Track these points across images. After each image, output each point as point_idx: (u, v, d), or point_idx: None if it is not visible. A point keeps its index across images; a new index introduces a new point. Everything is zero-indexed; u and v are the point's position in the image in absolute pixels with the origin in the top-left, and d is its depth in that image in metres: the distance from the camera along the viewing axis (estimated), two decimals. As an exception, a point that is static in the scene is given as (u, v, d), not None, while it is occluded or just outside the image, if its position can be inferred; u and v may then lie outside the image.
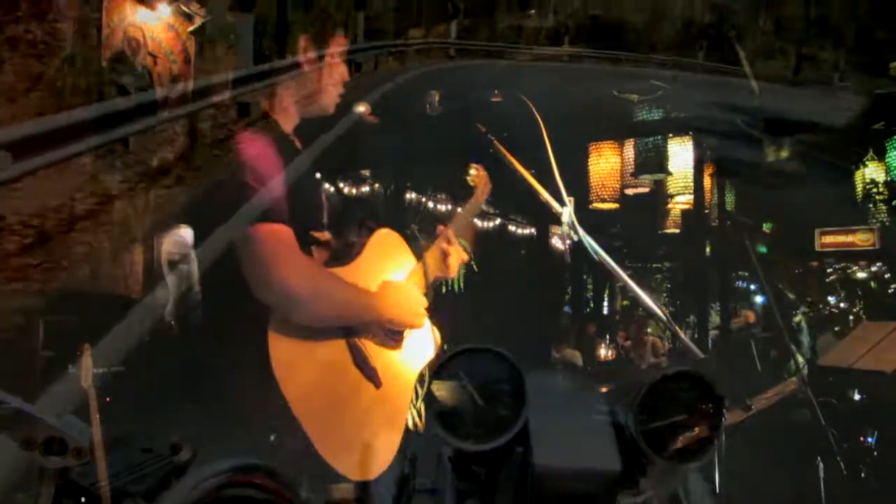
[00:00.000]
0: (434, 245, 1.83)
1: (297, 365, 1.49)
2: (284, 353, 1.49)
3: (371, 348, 1.60)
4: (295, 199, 1.61)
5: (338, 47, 1.80)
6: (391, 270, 1.73)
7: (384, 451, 1.54)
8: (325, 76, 1.77)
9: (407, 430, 1.63)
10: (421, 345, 1.74)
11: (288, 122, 1.77)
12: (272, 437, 1.47)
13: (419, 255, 1.81)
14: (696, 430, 0.96)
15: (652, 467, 0.94)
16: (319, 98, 1.77)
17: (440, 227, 1.86)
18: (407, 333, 1.70)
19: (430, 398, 1.42)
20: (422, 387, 1.72)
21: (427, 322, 1.75)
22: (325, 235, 1.71)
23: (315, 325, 1.53)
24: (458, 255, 1.84)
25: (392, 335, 1.66)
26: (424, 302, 1.71)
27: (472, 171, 1.95)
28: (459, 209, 1.98)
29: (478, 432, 1.19)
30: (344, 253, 1.71)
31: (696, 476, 0.95)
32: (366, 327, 1.61)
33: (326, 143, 1.75)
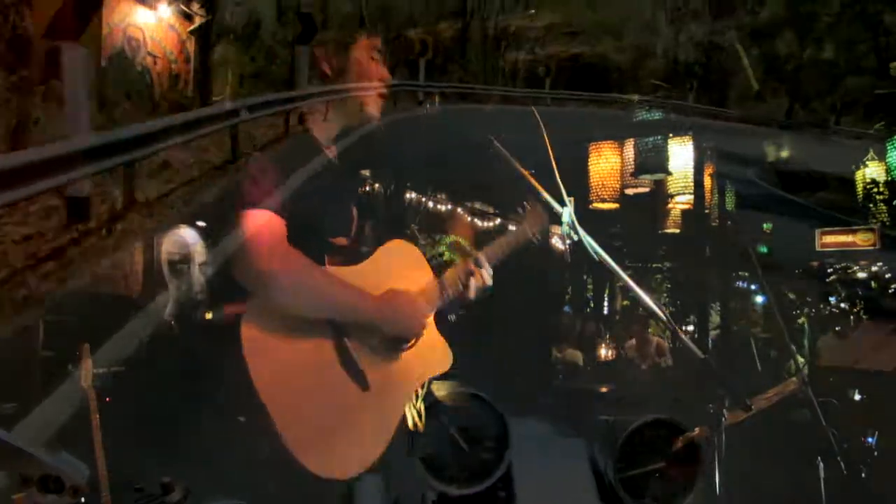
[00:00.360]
0: (459, 264, 1.80)
1: (270, 352, 1.48)
2: (258, 338, 1.48)
3: (363, 352, 1.58)
4: (316, 207, 1.63)
5: (372, 48, 1.78)
6: (401, 280, 1.70)
7: (362, 454, 1.51)
8: (367, 79, 1.76)
9: (396, 437, 1.59)
10: (428, 358, 1.70)
11: (324, 132, 1.77)
12: (241, 419, 1.47)
13: (437, 272, 1.79)
14: (674, 477, 0.97)
15: None
16: (364, 106, 1.76)
17: (477, 253, 1.82)
18: (410, 344, 1.66)
19: (415, 440, 1.42)
20: (422, 388, 1.71)
21: (437, 336, 1.72)
22: (342, 241, 1.71)
23: (297, 313, 1.52)
24: (482, 280, 1.78)
25: (392, 343, 1.63)
26: (427, 316, 1.68)
27: (528, 206, 1.91)
28: (502, 237, 1.92)
29: (461, 476, 1.19)
30: (353, 255, 1.71)
31: None
32: (360, 330, 1.59)
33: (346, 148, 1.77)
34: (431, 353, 1.71)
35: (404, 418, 1.59)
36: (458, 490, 1.17)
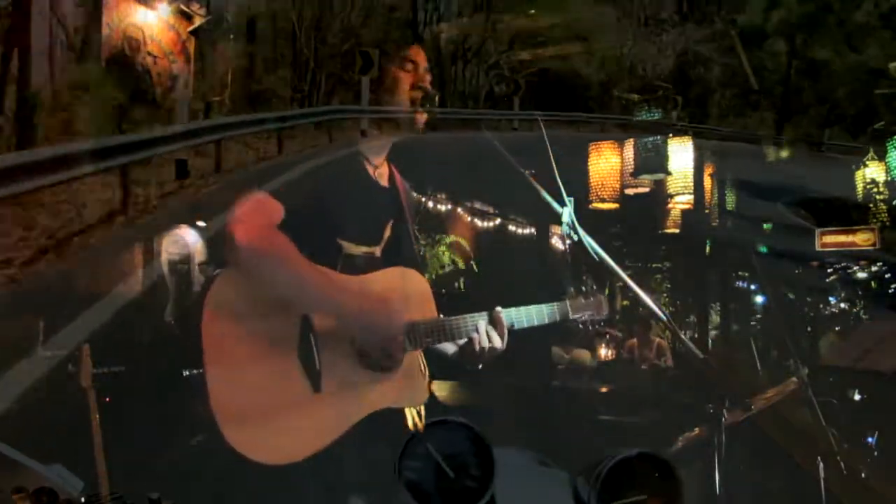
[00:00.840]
0: (474, 316, 1.75)
1: (225, 323, 1.49)
2: (219, 305, 1.50)
3: (330, 357, 1.56)
4: (345, 213, 1.65)
5: (409, 58, 1.79)
6: (398, 304, 1.69)
7: (294, 446, 1.50)
8: (397, 89, 1.77)
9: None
10: (402, 387, 1.67)
11: (373, 149, 1.79)
12: (185, 373, 1.48)
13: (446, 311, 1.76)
14: None
15: None
16: (398, 114, 1.76)
17: (497, 310, 1.76)
18: (386, 366, 1.63)
19: (399, 469, 1.41)
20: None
21: (420, 370, 1.70)
22: (352, 248, 1.71)
23: (262, 286, 1.53)
24: (489, 340, 1.73)
25: (366, 360, 1.61)
26: (400, 340, 1.64)
27: (590, 292, 1.87)
28: (541, 306, 1.82)
29: (446, 503, 1.19)
30: (363, 265, 1.71)
31: None
32: (335, 335, 1.57)
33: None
34: (408, 383, 1.68)
35: (346, 435, 1.56)
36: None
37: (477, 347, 1.69)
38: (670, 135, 5.95)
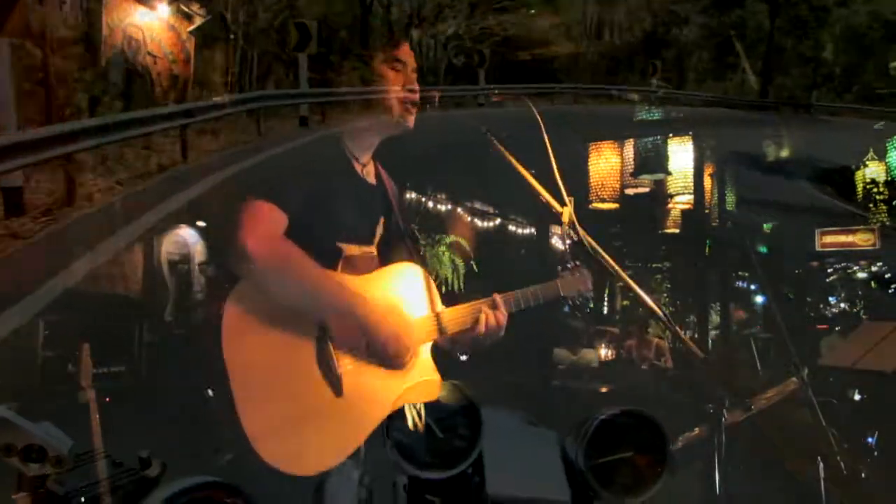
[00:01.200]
0: (476, 303, 1.77)
1: (248, 337, 1.50)
2: (238, 321, 1.50)
3: (346, 359, 1.57)
4: (336, 213, 1.64)
5: (398, 56, 1.78)
6: (402, 301, 1.69)
7: (319, 457, 1.50)
8: (387, 88, 1.76)
9: (365, 446, 1.58)
10: (415, 383, 1.68)
11: (358, 143, 1.78)
12: (209, 392, 1.48)
13: (447, 303, 1.77)
14: (642, 466, 0.99)
15: (599, 500, 0.97)
16: (394, 115, 1.76)
17: (495, 295, 1.78)
18: (397, 363, 1.63)
19: (388, 427, 1.42)
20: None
21: (430, 364, 1.70)
22: (353, 249, 1.71)
23: (278, 298, 1.53)
24: (495, 323, 1.74)
25: (378, 360, 1.61)
26: (409, 338, 1.65)
27: (574, 267, 1.88)
28: (530, 287, 1.87)
29: (434, 461, 1.19)
30: (361, 265, 1.71)
31: None
32: (347, 337, 1.58)
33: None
34: (420, 378, 1.69)
35: (374, 433, 1.57)
36: (431, 474, 1.19)
37: (479, 334, 1.71)
38: (669, 135, 5.95)
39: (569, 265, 1.87)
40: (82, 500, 0.59)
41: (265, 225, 1.55)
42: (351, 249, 1.71)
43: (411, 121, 1.78)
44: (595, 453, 0.99)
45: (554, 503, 0.92)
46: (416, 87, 1.79)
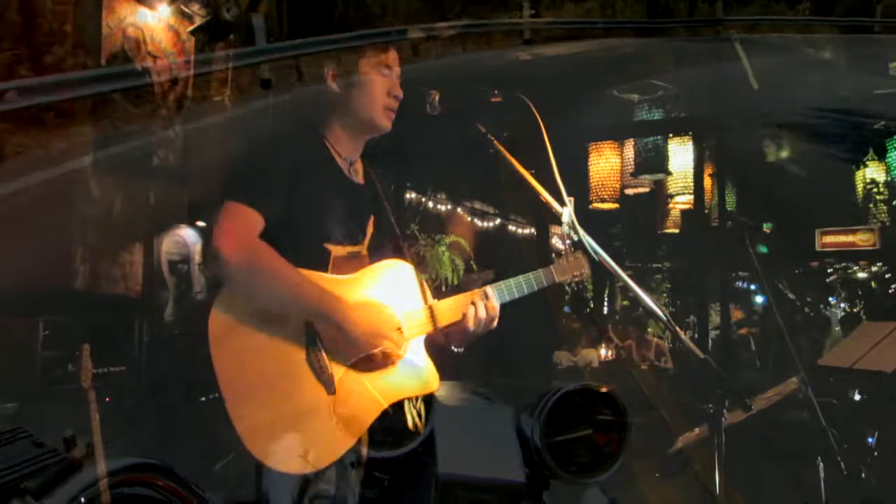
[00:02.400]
0: (465, 294, 1.77)
1: (235, 341, 1.51)
2: (225, 323, 1.51)
3: (338, 358, 1.58)
4: (321, 213, 1.65)
5: (386, 62, 1.79)
6: (388, 298, 1.69)
7: (315, 455, 1.49)
8: (373, 94, 1.76)
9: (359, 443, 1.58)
10: (409, 378, 1.68)
11: (343, 145, 1.79)
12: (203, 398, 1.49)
13: (437, 296, 1.77)
14: (600, 444, 0.98)
15: (556, 479, 0.96)
16: (371, 118, 1.77)
17: (487, 287, 1.77)
18: (386, 360, 1.63)
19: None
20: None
21: (425, 359, 1.70)
22: (339, 249, 1.71)
23: (258, 303, 1.54)
24: (486, 314, 1.74)
25: (370, 356, 1.61)
26: (390, 334, 1.64)
27: (569, 252, 1.86)
28: (528, 274, 1.82)
29: (384, 440, 1.19)
30: (350, 265, 1.71)
31: (596, 490, 0.97)
32: (336, 336, 1.58)
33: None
34: (414, 373, 1.69)
35: (367, 431, 1.57)
36: (380, 453, 1.19)
37: (471, 325, 1.71)
38: (670, 135, 5.95)
39: (564, 251, 1.87)
40: None
41: (239, 227, 1.57)
42: (338, 250, 1.71)
43: (389, 125, 1.80)
44: (552, 431, 0.97)
45: (508, 483, 0.90)
46: (400, 93, 1.81)
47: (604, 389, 0.99)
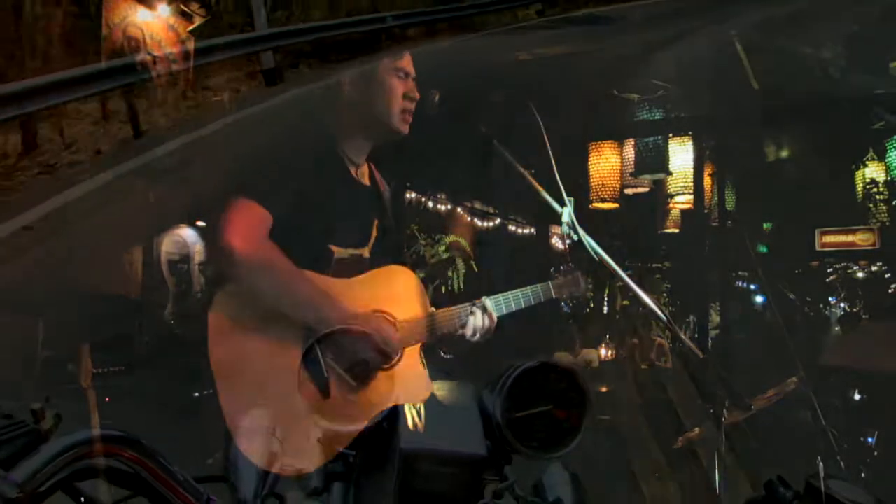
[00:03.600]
0: (466, 305, 1.78)
1: (233, 340, 1.51)
2: (223, 323, 1.52)
3: (331, 360, 1.57)
4: (328, 215, 1.65)
5: (403, 66, 1.80)
6: (390, 304, 1.70)
7: (308, 457, 1.51)
8: (391, 98, 1.78)
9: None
10: (404, 385, 1.68)
11: (353, 148, 1.80)
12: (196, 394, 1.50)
13: (436, 304, 1.78)
14: (561, 420, 0.99)
15: (516, 454, 0.98)
16: (389, 122, 1.78)
17: (483, 298, 1.79)
18: (384, 363, 1.63)
19: (300, 382, 1.43)
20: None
21: (419, 366, 1.71)
22: (342, 251, 1.72)
23: (260, 301, 1.55)
24: (483, 324, 1.75)
25: (365, 363, 1.61)
26: (402, 345, 1.65)
27: (568, 270, 1.89)
28: (526, 288, 1.87)
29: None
30: (352, 268, 1.72)
31: (558, 465, 0.98)
32: (330, 340, 1.58)
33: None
34: (409, 380, 1.69)
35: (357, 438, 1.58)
36: (342, 427, 1.21)
37: (467, 335, 1.72)
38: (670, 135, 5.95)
39: (562, 267, 1.90)
40: None
41: (250, 225, 1.57)
42: (341, 252, 1.72)
43: (406, 128, 1.81)
44: (512, 406, 0.99)
45: (470, 457, 0.92)
46: (417, 95, 1.82)
47: (564, 366, 1.01)
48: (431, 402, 1.01)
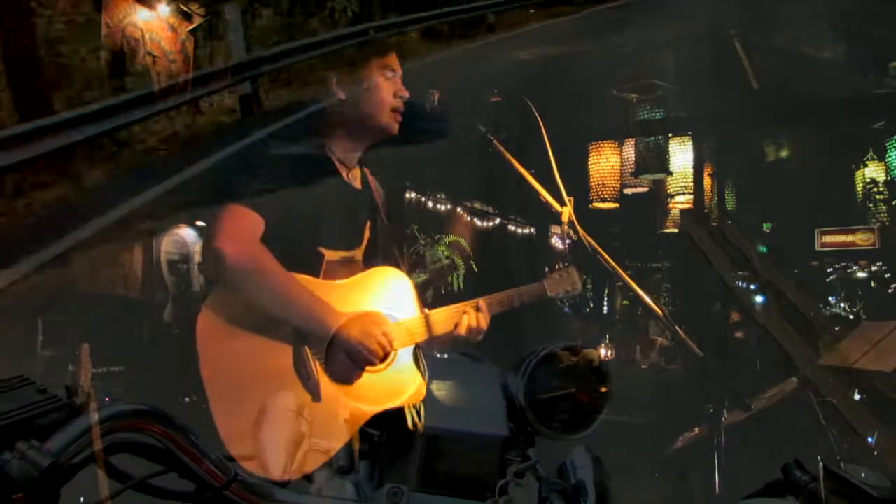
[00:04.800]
0: (459, 305, 1.77)
1: (222, 342, 1.51)
2: (213, 326, 1.52)
3: (323, 366, 1.57)
4: (319, 218, 1.65)
5: (389, 64, 1.79)
6: (381, 306, 1.69)
7: (303, 458, 1.51)
8: (379, 97, 1.77)
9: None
10: (396, 386, 1.67)
11: (344, 151, 1.79)
12: (186, 399, 1.50)
13: (429, 306, 1.77)
14: (582, 402, 1.01)
15: (538, 436, 0.99)
16: (379, 122, 1.77)
17: (478, 299, 1.79)
18: (377, 365, 1.63)
19: (326, 363, 1.43)
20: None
21: (412, 367, 1.70)
22: (333, 254, 1.71)
23: (249, 303, 1.54)
24: (476, 324, 1.74)
25: (357, 364, 1.60)
26: (384, 347, 1.64)
27: (563, 268, 1.88)
28: (520, 287, 1.89)
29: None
30: (344, 270, 1.71)
31: (581, 448, 0.99)
32: (317, 341, 1.57)
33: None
34: (402, 383, 1.68)
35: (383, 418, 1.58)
36: (371, 408, 1.22)
37: (460, 335, 1.72)
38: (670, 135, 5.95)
39: (557, 266, 1.89)
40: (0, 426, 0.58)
41: (242, 229, 1.57)
42: (332, 254, 1.71)
43: (396, 127, 1.80)
44: (535, 389, 1.00)
45: (493, 437, 0.93)
46: (406, 93, 1.81)
47: (586, 350, 1.03)
48: (456, 383, 1.02)
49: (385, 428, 1.03)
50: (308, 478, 1.01)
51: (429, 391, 0.97)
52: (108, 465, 0.68)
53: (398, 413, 0.98)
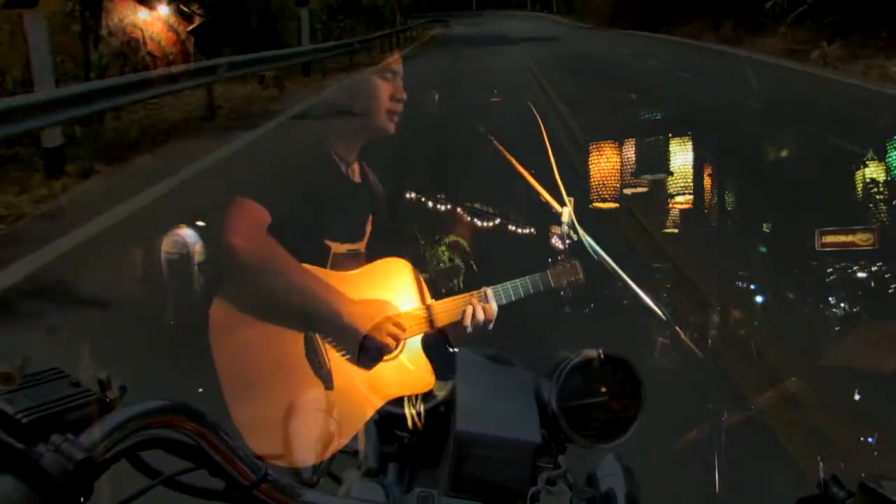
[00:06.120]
0: (464, 295, 1.80)
1: (234, 331, 1.54)
2: (225, 318, 1.55)
3: (335, 353, 1.59)
4: (324, 211, 1.67)
5: (389, 66, 1.81)
6: (387, 296, 1.71)
7: (312, 449, 1.52)
8: (377, 99, 1.79)
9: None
10: (406, 376, 1.68)
11: (342, 147, 1.82)
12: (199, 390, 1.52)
13: (435, 296, 1.78)
14: (616, 410, 1.00)
15: (570, 444, 0.98)
16: (376, 122, 1.80)
17: (484, 288, 1.80)
18: (385, 354, 1.64)
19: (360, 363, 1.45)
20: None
21: (421, 357, 1.71)
22: (339, 247, 1.74)
23: (262, 294, 1.56)
24: (483, 316, 1.76)
25: (367, 353, 1.62)
26: (403, 336, 1.65)
27: (564, 259, 1.89)
28: (525, 278, 1.89)
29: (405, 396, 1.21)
30: (350, 262, 1.73)
31: (611, 457, 0.98)
32: (335, 332, 1.60)
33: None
34: (411, 372, 1.70)
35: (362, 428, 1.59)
36: (379, 398, 1.22)
37: (467, 326, 1.73)
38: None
39: (559, 257, 1.91)
40: (34, 419, 0.57)
41: (250, 222, 1.60)
42: (339, 247, 1.74)
43: (392, 127, 1.84)
44: (568, 396, 0.99)
45: (524, 443, 0.92)
46: (404, 95, 1.85)
47: (620, 357, 1.01)
48: (489, 387, 1.01)
49: (415, 430, 1.02)
50: (336, 479, 1.01)
51: (460, 393, 0.96)
52: (138, 461, 0.68)
53: (428, 416, 0.98)
